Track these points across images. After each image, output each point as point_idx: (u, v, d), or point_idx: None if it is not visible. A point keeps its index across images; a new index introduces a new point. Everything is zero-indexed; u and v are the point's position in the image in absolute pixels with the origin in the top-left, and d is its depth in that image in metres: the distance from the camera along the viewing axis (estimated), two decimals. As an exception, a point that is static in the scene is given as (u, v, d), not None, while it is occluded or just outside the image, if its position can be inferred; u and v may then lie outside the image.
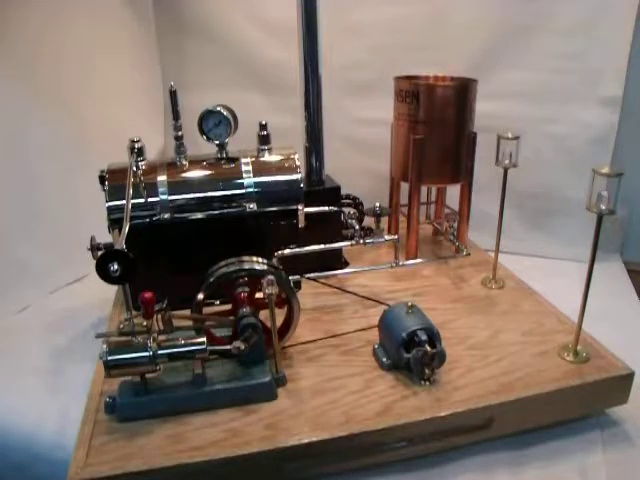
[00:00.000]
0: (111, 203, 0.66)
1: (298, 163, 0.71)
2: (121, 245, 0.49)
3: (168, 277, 0.64)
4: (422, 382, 0.54)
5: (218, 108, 0.69)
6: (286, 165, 0.71)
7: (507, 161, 0.67)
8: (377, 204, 0.76)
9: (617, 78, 0.81)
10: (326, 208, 0.73)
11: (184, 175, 0.69)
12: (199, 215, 0.68)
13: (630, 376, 0.55)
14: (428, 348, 0.53)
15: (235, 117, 0.70)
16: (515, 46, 0.84)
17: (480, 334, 0.63)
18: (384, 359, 0.57)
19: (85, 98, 0.84)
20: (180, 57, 0.97)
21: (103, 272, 0.47)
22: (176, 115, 0.69)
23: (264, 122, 0.72)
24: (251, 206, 0.69)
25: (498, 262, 0.73)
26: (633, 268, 0.90)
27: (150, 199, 0.67)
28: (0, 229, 0.75)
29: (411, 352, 0.54)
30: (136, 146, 0.69)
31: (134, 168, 0.68)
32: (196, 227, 0.68)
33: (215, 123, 0.70)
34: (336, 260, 0.78)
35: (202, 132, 0.70)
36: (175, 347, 0.50)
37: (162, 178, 0.68)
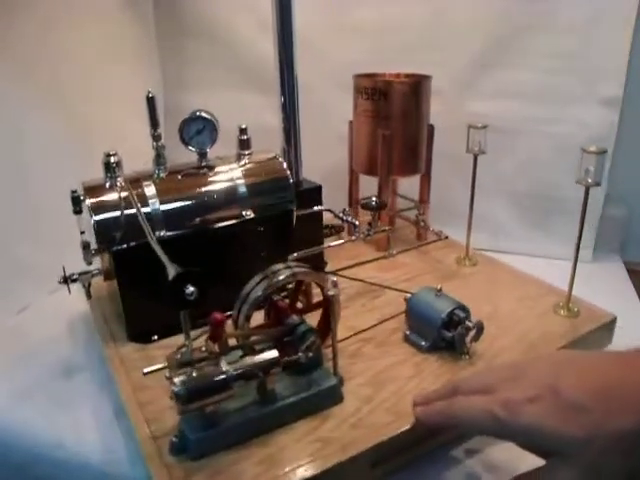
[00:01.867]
0: (98, 217, 0.59)
1: (285, 166, 0.70)
2: (174, 265, 0.45)
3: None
4: (463, 356, 0.58)
5: (199, 113, 0.65)
6: (275, 168, 0.70)
7: (476, 148, 0.75)
8: (374, 198, 0.75)
9: (617, 78, 0.81)
10: (317, 208, 0.73)
11: (175, 188, 0.64)
12: (196, 228, 0.64)
13: (613, 321, 0.65)
14: (470, 324, 0.57)
15: (217, 122, 0.66)
16: (515, 46, 0.85)
17: (484, 308, 0.67)
18: (422, 342, 0.60)
19: (85, 100, 0.81)
20: (180, 58, 0.90)
21: (177, 296, 0.42)
22: (154, 123, 0.64)
23: (244, 126, 0.70)
24: (247, 213, 0.67)
25: (468, 244, 0.80)
26: (633, 268, 0.89)
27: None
28: (0, 229, 0.73)
29: (453, 331, 0.57)
30: (112, 160, 0.62)
31: (117, 183, 0.61)
32: (194, 241, 0.64)
33: (197, 130, 0.66)
34: (319, 260, 0.79)
35: (183, 141, 0.66)
36: (247, 366, 0.47)
37: (151, 192, 0.62)
